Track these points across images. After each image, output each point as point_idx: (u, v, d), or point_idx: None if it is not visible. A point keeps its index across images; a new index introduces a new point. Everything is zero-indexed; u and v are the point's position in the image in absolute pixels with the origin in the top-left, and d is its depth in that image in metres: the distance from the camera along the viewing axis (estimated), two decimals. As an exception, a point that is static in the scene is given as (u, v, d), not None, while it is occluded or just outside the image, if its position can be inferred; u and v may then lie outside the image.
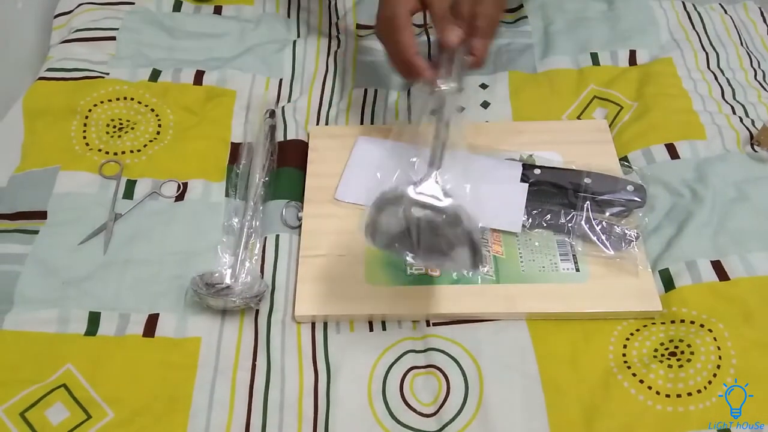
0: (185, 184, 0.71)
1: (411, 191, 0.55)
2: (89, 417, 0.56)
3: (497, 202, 0.67)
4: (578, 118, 0.77)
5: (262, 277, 0.64)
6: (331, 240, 0.66)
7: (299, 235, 0.68)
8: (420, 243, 0.55)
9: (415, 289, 0.63)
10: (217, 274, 0.64)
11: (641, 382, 0.57)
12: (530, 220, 0.67)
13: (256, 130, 0.76)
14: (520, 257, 0.65)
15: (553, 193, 0.68)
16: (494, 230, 0.67)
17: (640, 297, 0.62)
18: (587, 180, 0.68)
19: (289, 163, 0.73)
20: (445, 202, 0.55)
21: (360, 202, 0.68)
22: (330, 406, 0.57)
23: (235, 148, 0.75)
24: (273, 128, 0.75)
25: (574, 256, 0.65)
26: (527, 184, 0.68)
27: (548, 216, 0.67)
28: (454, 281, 0.63)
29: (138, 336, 0.61)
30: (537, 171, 0.69)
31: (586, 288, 0.63)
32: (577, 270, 0.64)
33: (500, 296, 0.62)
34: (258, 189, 0.70)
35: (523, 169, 0.69)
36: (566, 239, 0.66)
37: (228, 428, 0.56)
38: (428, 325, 0.62)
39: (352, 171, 0.71)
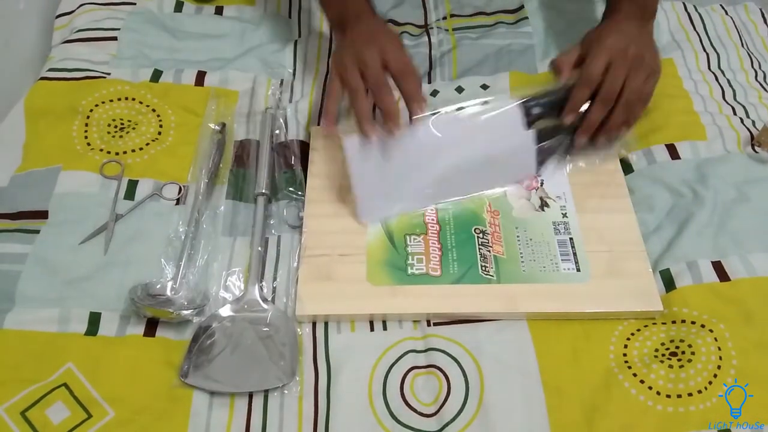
0: (186, 187, 0.71)
1: (226, 310, 0.61)
2: (90, 416, 0.56)
3: (507, 159, 0.68)
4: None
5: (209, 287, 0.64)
6: (333, 240, 0.66)
7: (300, 234, 0.68)
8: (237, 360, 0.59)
9: (416, 288, 0.63)
10: (159, 285, 0.63)
11: (642, 382, 0.57)
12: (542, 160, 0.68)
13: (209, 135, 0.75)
14: (521, 257, 0.65)
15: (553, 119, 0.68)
16: (494, 231, 0.67)
17: (640, 297, 0.62)
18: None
19: (290, 164, 0.73)
20: (267, 310, 0.61)
21: (387, 213, 0.67)
22: (330, 406, 0.57)
23: (240, 149, 0.75)
24: (222, 140, 0.74)
25: (575, 255, 0.65)
26: (533, 131, 0.67)
27: (558, 145, 0.68)
28: (455, 281, 0.63)
29: (139, 336, 0.61)
30: (535, 110, 0.67)
31: (587, 288, 0.63)
32: (578, 270, 0.64)
33: (501, 296, 0.62)
34: (199, 197, 0.69)
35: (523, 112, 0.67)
36: (566, 238, 0.66)
37: (228, 428, 0.56)
38: (429, 324, 0.62)
39: (361, 185, 0.66)
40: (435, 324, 0.62)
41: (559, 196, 0.69)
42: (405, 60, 0.65)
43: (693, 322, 0.60)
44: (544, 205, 0.69)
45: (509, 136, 0.67)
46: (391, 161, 0.65)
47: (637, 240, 0.66)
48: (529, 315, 0.62)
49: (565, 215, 0.68)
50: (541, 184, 0.70)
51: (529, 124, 0.67)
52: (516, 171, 0.69)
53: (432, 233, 0.67)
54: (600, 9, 0.88)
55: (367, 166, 0.65)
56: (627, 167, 0.72)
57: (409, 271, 0.64)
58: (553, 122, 0.68)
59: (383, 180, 0.66)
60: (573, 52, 0.67)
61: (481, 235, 0.66)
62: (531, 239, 0.66)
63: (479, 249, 0.65)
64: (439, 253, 0.65)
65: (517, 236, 0.67)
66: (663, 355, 0.59)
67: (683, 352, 0.59)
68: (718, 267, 0.63)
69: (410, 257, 0.65)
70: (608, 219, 0.67)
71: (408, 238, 0.66)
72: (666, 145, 0.72)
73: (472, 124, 0.67)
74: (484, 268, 0.64)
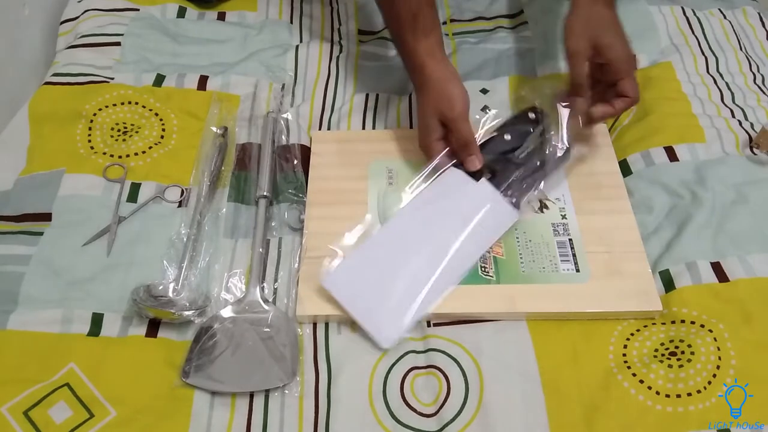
0: (188, 190, 0.72)
1: (227, 311, 0.61)
2: (92, 416, 0.56)
3: (484, 214, 0.66)
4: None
5: (211, 288, 0.65)
6: (334, 242, 0.66)
7: (301, 236, 0.68)
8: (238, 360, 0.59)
9: None
10: (161, 287, 0.63)
11: (641, 382, 0.58)
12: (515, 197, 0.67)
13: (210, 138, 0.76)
14: (521, 258, 0.65)
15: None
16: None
17: (640, 297, 0.62)
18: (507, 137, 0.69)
19: (291, 167, 0.74)
20: (268, 311, 0.61)
21: (405, 325, 0.61)
22: (331, 406, 0.58)
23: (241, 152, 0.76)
24: (224, 144, 0.75)
25: (574, 256, 0.65)
26: (483, 180, 0.67)
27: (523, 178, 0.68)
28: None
29: (141, 336, 0.61)
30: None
31: (586, 288, 0.63)
32: (578, 270, 0.64)
33: (501, 296, 0.63)
34: (201, 199, 0.70)
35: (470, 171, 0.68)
36: (566, 239, 0.66)
37: (229, 427, 0.57)
38: (429, 325, 0.62)
39: (363, 313, 0.62)
40: (435, 324, 0.62)
41: (558, 198, 0.70)
42: (465, 135, 0.68)
43: (692, 322, 0.60)
44: (543, 206, 0.69)
45: (466, 194, 0.67)
46: (378, 276, 0.63)
47: (636, 240, 0.66)
48: (528, 315, 0.62)
49: (564, 216, 0.68)
50: (541, 186, 0.71)
51: (477, 175, 0.68)
52: (500, 220, 0.67)
53: None
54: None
55: (358, 293, 0.62)
56: (626, 169, 0.73)
57: None
58: (500, 164, 0.68)
59: (382, 297, 0.62)
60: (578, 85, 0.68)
61: None
62: (530, 240, 0.67)
63: None
64: None
65: (517, 238, 0.67)
66: (662, 355, 0.59)
67: (683, 352, 0.59)
68: (717, 268, 0.63)
69: None
70: (607, 220, 0.68)
71: None
72: (665, 148, 0.73)
73: (424, 202, 0.67)
74: (483, 269, 0.64)
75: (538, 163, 0.68)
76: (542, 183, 0.69)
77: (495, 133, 0.70)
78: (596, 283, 0.63)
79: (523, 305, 0.62)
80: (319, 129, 0.79)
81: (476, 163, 0.67)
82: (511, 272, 0.64)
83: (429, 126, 0.69)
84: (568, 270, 0.64)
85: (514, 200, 0.67)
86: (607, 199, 0.70)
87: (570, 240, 0.66)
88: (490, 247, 0.66)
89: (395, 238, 0.65)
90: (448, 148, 0.69)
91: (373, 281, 0.63)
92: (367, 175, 0.72)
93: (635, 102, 0.69)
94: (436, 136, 0.69)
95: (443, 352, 0.60)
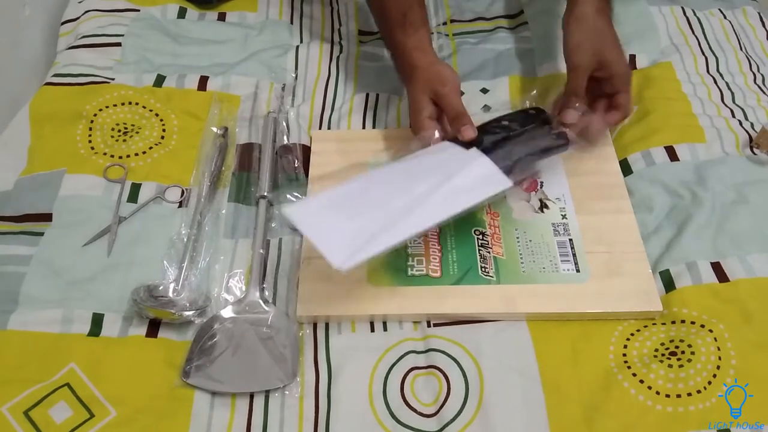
0: (189, 190, 0.72)
1: (228, 312, 0.61)
2: (92, 416, 0.56)
3: (467, 175, 0.64)
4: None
5: (210, 288, 0.65)
6: None
7: (301, 237, 0.68)
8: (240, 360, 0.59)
9: (416, 289, 0.63)
10: (162, 287, 0.64)
11: (641, 382, 0.58)
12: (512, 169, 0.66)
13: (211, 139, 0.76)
14: (521, 258, 0.65)
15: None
16: (494, 232, 0.67)
17: (640, 297, 0.62)
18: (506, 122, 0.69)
19: (292, 167, 0.74)
20: (269, 312, 0.61)
21: (364, 254, 0.56)
22: (331, 407, 0.58)
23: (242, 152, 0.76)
24: (224, 144, 0.75)
25: (574, 256, 0.65)
26: (474, 149, 0.66)
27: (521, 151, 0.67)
28: (455, 282, 0.64)
29: (141, 336, 0.61)
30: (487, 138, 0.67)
31: (586, 288, 0.63)
32: (578, 271, 0.64)
33: (501, 297, 0.63)
34: (201, 199, 0.70)
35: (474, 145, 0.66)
36: (566, 239, 0.66)
37: (229, 428, 0.57)
38: (429, 326, 0.62)
39: (321, 237, 0.57)
40: (435, 325, 0.62)
41: (558, 198, 0.70)
42: (457, 107, 0.68)
43: (692, 323, 0.60)
44: (543, 206, 0.69)
45: (454, 155, 0.65)
46: (345, 210, 0.60)
47: (636, 241, 0.66)
48: (528, 315, 0.62)
49: (564, 216, 0.68)
50: (541, 185, 0.71)
51: (469, 146, 0.66)
52: (488, 182, 0.64)
53: (432, 235, 0.67)
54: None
55: (321, 220, 0.59)
56: (626, 168, 0.73)
57: (410, 272, 0.65)
58: (496, 138, 0.67)
59: (344, 225, 0.58)
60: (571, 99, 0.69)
61: (480, 237, 0.67)
62: (531, 240, 0.67)
63: (479, 250, 0.66)
64: (439, 254, 0.66)
65: (517, 237, 0.67)
66: (663, 354, 0.59)
67: (683, 352, 0.59)
68: (717, 268, 0.63)
69: (410, 258, 0.65)
70: (608, 220, 0.68)
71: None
72: (665, 147, 0.73)
73: (410, 158, 0.66)
74: (483, 269, 0.64)
75: (535, 142, 0.68)
76: (537, 164, 0.68)
77: (493, 119, 0.70)
78: (596, 283, 0.63)
79: (523, 305, 0.62)
80: (320, 128, 0.79)
81: (470, 131, 0.66)
82: (511, 272, 0.64)
83: (420, 104, 0.69)
84: (568, 270, 0.64)
85: (505, 167, 0.65)
86: (607, 199, 0.70)
87: (570, 240, 0.67)
88: (491, 248, 0.66)
89: (372, 184, 0.63)
90: (439, 131, 0.68)
91: (338, 212, 0.59)
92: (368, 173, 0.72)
93: (627, 116, 0.72)
94: (427, 114, 0.69)
95: (443, 352, 0.60)
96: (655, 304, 0.62)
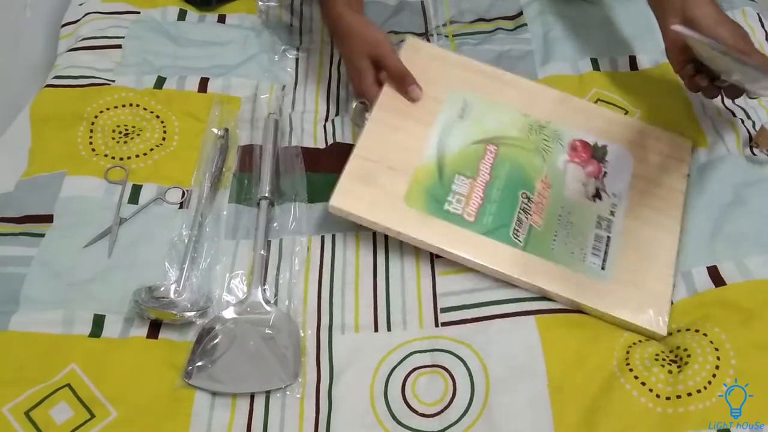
0: (190, 191, 0.72)
1: (229, 313, 0.62)
2: (93, 416, 0.56)
3: None
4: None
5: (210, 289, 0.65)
6: (387, 150, 0.66)
7: (301, 237, 0.68)
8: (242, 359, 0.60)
9: (446, 225, 0.64)
10: (163, 288, 0.64)
11: (643, 384, 0.57)
12: None
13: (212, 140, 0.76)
14: (555, 235, 0.65)
15: None
16: (540, 201, 0.67)
17: (650, 317, 0.61)
18: None
19: (293, 168, 0.74)
20: (270, 312, 0.62)
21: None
22: (332, 407, 0.58)
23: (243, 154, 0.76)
24: (225, 145, 0.75)
25: (605, 253, 0.65)
26: None
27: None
28: (485, 232, 0.64)
29: (142, 337, 0.61)
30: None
31: (604, 287, 0.63)
32: (603, 268, 0.64)
33: (521, 263, 0.63)
34: (202, 201, 0.70)
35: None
36: (604, 235, 0.66)
37: (230, 428, 0.57)
38: (437, 325, 0.62)
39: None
40: (443, 324, 0.62)
41: (615, 194, 0.69)
42: (399, 67, 0.71)
43: (688, 329, 0.60)
44: (597, 196, 0.68)
45: None
46: None
47: (669, 263, 0.64)
48: (538, 290, 0.62)
49: (612, 213, 0.67)
50: (604, 175, 0.70)
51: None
52: None
53: (480, 180, 0.67)
54: (598, 14, 0.89)
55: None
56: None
57: (446, 206, 0.65)
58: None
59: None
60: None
61: (526, 201, 0.67)
62: (571, 223, 0.66)
63: (519, 212, 0.66)
64: (480, 201, 0.66)
65: (559, 216, 0.67)
66: (664, 359, 0.59)
67: (681, 358, 0.59)
68: (713, 272, 0.63)
69: (452, 194, 0.66)
70: (651, 234, 0.66)
71: (457, 176, 0.67)
72: (665, 148, 0.73)
73: None
74: (516, 232, 0.64)
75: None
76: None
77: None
78: (615, 286, 0.63)
79: (537, 279, 0.62)
80: (321, 130, 0.79)
81: (417, 91, 0.68)
82: (540, 244, 0.64)
83: (362, 69, 0.71)
84: (594, 264, 0.64)
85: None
86: (660, 214, 0.68)
87: (608, 237, 0.66)
88: (531, 215, 0.66)
89: None
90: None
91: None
92: (444, 99, 0.72)
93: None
94: (372, 78, 0.71)
95: (449, 352, 0.60)
96: (661, 328, 0.61)
